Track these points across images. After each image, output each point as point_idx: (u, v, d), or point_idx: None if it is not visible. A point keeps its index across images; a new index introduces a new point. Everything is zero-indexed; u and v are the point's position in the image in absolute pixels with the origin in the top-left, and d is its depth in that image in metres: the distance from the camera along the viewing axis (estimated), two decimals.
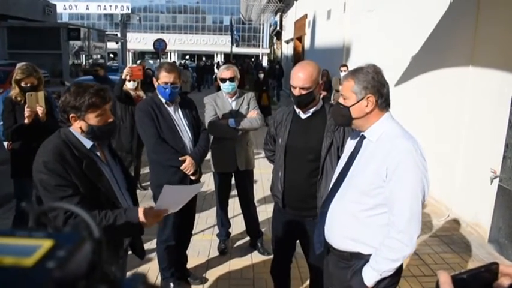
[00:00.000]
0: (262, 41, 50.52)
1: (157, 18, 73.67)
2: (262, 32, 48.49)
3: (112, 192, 2.31)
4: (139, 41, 62.16)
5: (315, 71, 2.84)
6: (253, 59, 45.51)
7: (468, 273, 0.89)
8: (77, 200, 2.10)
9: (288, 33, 27.25)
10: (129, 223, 2.20)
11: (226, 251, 4.64)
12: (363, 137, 2.26)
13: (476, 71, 5.40)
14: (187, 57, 64.19)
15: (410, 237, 2.06)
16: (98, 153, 2.34)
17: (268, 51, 43.98)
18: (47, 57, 19.06)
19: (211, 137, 4.25)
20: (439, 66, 6.31)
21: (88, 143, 2.25)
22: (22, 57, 8.64)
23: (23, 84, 4.19)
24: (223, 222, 4.75)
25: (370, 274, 2.14)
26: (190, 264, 4.16)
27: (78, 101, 2.14)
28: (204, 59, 41.55)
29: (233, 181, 4.67)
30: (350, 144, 2.40)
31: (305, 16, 19.98)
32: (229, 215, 4.92)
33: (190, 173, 3.58)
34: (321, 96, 3.07)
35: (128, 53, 43.27)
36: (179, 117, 3.66)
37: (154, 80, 3.60)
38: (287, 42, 27.88)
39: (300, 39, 21.94)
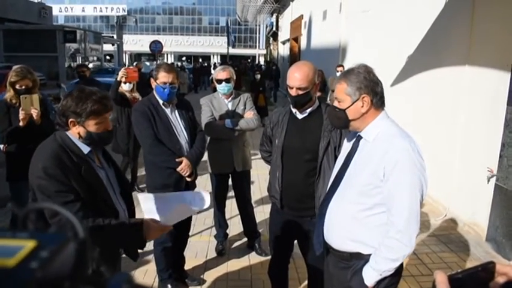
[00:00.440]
0: (259, 42, 50.55)
1: (153, 20, 73.81)
2: (259, 33, 48.52)
3: (109, 197, 2.29)
4: (136, 42, 62.32)
5: (311, 71, 2.84)
6: (249, 60, 45.55)
7: (465, 273, 0.88)
8: (78, 206, 2.07)
9: (284, 34, 27.31)
10: (131, 235, 2.18)
11: (223, 252, 4.62)
12: (359, 137, 2.25)
13: (472, 70, 5.40)
14: (183, 58, 64.26)
15: (409, 237, 2.06)
16: (94, 158, 2.32)
17: (264, 52, 43.99)
18: (43, 60, 19.05)
19: (208, 138, 4.25)
20: (435, 65, 6.32)
21: (85, 148, 2.22)
22: (18, 60, 8.64)
23: (17, 86, 4.17)
24: (221, 223, 4.74)
25: (370, 274, 2.14)
26: (188, 266, 4.14)
27: (79, 107, 2.11)
28: (200, 60, 41.56)
29: (230, 182, 4.66)
30: (347, 145, 2.40)
31: (301, 17, 20.01)
32: (227, 216, 4.91)
33: (186, 174, 3.56)
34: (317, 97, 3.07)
35: (124, 54, 43.31)
36: (176, 119, 3.65)
37: (152, 80, 3.58)
38: (283, 43, 27.93)
39: (296, 39, 21.98)
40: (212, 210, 4.75)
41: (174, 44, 67.02)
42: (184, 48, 69.41)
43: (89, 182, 2.16)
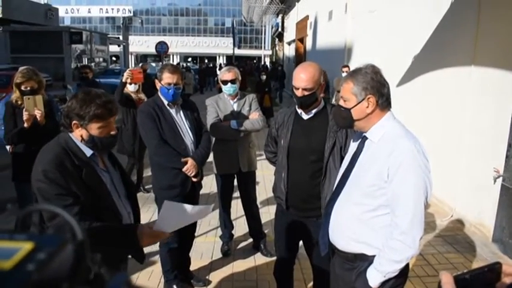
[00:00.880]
0: (264, 43, 50.62)
1: (159, 21, 74.04)
2: (264, 34, 48.61)
3: (112, 201, 2.27)
4: (142, 43, 62.50)
5: (317, 72, 2.84)
6: (255, 61, 45.57)
7: (471, 273, 0.88)
8: (77, 210, 2.05)
9: (289, 34, 27.32)
10: (125, 240, 2.13)
11: (229, 252, 4.63)
12: (365, 138, 2.24)
13: (478, 71, 5.38)
14: (189, 59, 64.38)
15: (412, 239, 2.05)
16: (98, 161, 2.29)
17: (270, 52, 44.03)
18: (50, 61, 19.07)
19: (213, 139, 4.25)
20: (441, 65, 6.29)
21: (88, 151, 2.20)
22: (25, 61, 8.68)
23: (23, 87, 4.19)
24: (226, 224, 4.74)
25: (375, 275, 2.13)
26: (193, 266, 4.15)
27: (83, 110, 2.09)
28: (206, 61, 41.61)
29: (235, 183, 4.66)
30: (353, 146, 2.40)
31: (307, 17, 20.01)
32: (232, 216, 4.91)
33: (192, 175, 3.56)
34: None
35: (130, 56, 43.41)
36: (181, 119, 3.65)
37: (157, 81, 3.59)
38: (289, 43, 27.92)
39: (301, 40, 21.98)
40: (217, 211, 4.75)
41: (180, 45, 67.17)
42: (190, 49, 69.56)
43: (90, 185, 2.13)
